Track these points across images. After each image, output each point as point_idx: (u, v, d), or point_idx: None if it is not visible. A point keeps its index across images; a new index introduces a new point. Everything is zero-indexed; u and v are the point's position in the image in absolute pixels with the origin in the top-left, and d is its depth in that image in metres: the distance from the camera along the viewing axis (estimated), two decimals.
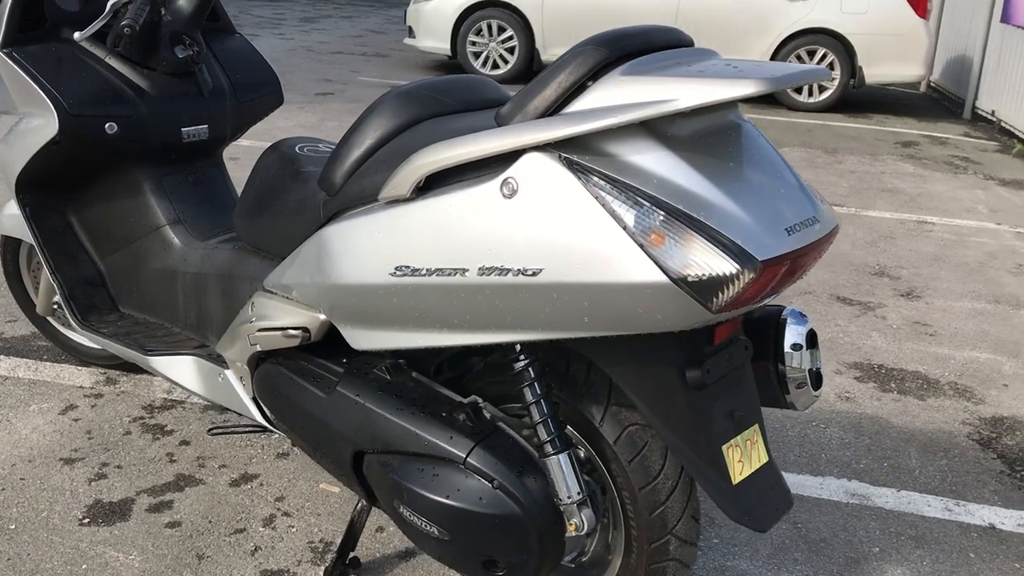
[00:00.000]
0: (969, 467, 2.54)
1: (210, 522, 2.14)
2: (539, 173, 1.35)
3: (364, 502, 1.90)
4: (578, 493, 1.55)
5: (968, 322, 3.58)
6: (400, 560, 2.03)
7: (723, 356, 1.49)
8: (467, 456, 1.56)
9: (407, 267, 1.49)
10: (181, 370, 2.14)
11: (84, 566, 1.97)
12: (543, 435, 1.56)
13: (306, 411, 1.76)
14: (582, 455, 1.65)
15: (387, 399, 1.67)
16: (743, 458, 1.51)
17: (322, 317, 1.74)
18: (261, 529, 2.12)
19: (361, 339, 1.64)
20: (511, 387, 1.67)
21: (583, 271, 1.31)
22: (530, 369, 1.56)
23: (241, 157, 5.23)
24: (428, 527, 1.60)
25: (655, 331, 1.32)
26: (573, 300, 1.33)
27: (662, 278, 1.26)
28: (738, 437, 1.51)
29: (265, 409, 1.94)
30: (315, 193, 1.76)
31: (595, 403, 1.59)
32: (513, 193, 1.37)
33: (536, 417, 1.56)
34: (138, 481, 2.28)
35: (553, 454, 1.55)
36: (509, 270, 1.37)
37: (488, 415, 1.64)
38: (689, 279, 1.25)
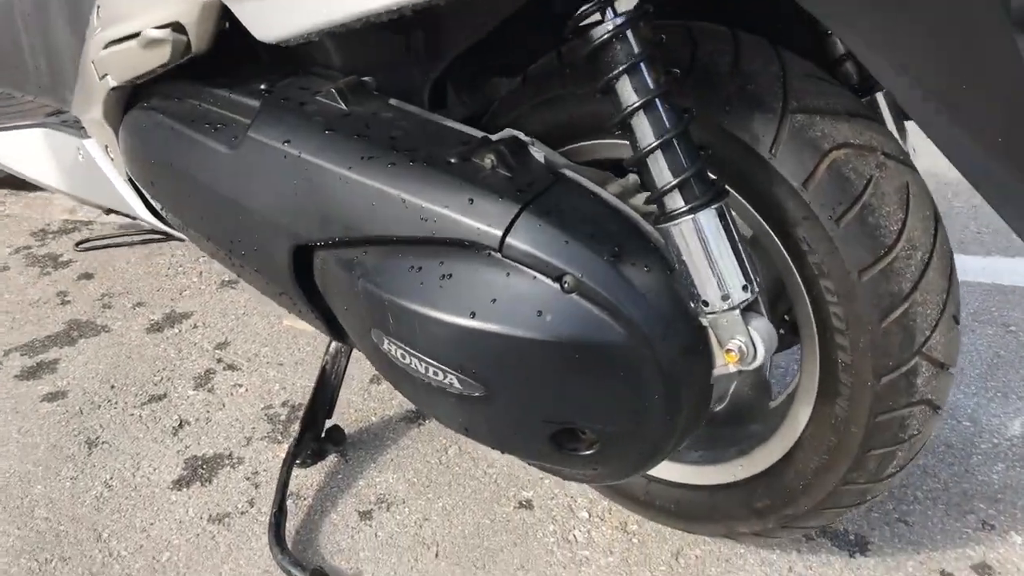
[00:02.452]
0: None
1: (112, 388, 1.38)
2: None
3: (335, 340, 1.13)
4: (744, 287, 0.75)
5: None
6: (408, 425, 1.28)
7: None
8: (506, 232, 0.76)
9: None
10: (24, 151, 1.32)
11: None
12: (665, 174, 0.74)
13: (199, 182, 0.96)
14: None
15: (341, 144, 0.86)
16: None
17: None
18: (191, 393, 1.37)
19: (271, 18, 0.82)
20: (590, 107, 0.86)
21: None
22: (629, 35, 0.73)
23: None
24: (442, 377, 0.82)
25: None
26: None
27: None
28: None
29: (144, 192, 1.13)
30: None
31: (753, 107, 0.77)
32: None
33: (647, 138, 0.74)
34: (8, 336, 1.52)
35: (686, 212, 0.74)
36: None
37: (542, 157, 0.83)
38: None
